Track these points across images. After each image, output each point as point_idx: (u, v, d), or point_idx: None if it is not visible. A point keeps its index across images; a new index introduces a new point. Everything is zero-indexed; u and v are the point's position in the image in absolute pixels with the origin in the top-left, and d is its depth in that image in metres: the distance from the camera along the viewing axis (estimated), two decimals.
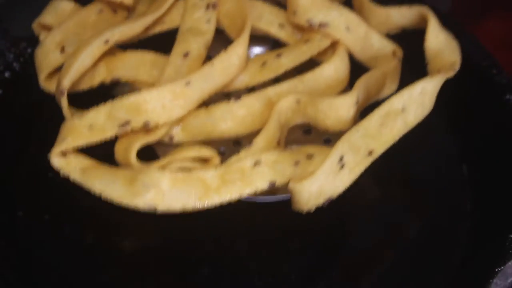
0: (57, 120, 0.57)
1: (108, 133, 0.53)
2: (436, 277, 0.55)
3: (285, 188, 0.52)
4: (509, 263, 0.49)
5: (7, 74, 0.62)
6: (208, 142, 0.55)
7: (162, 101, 0.53)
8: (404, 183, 0.60)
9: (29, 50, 0.63)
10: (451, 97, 0.58)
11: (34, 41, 0.62)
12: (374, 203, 0.59)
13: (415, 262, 0.56)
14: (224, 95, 0.57)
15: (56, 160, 0.53)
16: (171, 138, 0.55)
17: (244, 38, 0.55)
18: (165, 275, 0.55)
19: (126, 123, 0.52)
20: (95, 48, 0.55)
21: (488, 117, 0.60)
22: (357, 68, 0.58)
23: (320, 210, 0.52)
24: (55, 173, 0.55)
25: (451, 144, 0.62)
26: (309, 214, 0.52)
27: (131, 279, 0.55)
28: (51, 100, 0.60)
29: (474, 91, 0.61)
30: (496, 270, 0.50)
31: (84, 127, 0.53)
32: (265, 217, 0.57)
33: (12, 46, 0.63)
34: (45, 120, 0.62)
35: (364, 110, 0.56)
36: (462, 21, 0.65)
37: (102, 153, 0.55)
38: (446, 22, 0.59)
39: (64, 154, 0.53)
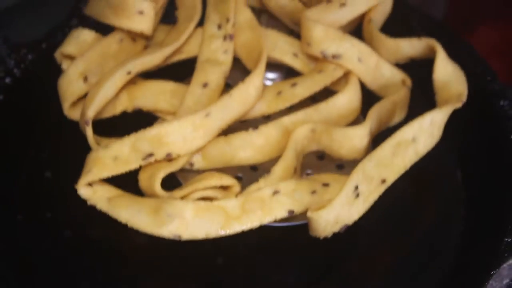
0: (57, 125, 0.59)
1: (132, 165, 0.55)
2: (432, 280, 0.56)
3: (302, 213, 0.54)
4: (504, 265, 0.50)
5: (8, 80, 0.63)
6: (226, 168, 0.57)
7: (183, 132, 0.55)
8: (400, 188, 0.60)
9: (29, 57, 0.64)
10: None
11: (33, 48, 0.64)
12: (373, 209, 0.60)
13: (410, 266, 0.57)
14: (241, 122, 0.59)
15: (83, 190, 0.55)
16: (191, 165, 0.57)
17: (261, 69, 0.57)
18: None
19: (150, 155, 0.54)
20: (118, 79, 0.57)
21: (482, 124, 0.62)
22: (368, 96, 0.60)
23: None
24: (53, 175, 0.58)
25: (446, 150, 0.63)
26: None
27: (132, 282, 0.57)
28: (50, 105, 0.62)
29: (468, 98, 0.61)
30: (492, 272, 0.51)
31: (109, 159, 0.55)
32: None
33: (13, 52, 0.64)
34: (45, 124, 0.64)
35: (376, 137, 0.58)
36: (456, 29, 0.66)
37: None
38: (441, 30, 0.61)
39: (90, 184, 0.55)
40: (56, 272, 0.56)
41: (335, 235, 0.54)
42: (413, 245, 0.58)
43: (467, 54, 0.62)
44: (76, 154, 0.58)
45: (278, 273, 0.57)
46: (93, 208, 0.55)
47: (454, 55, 0.60)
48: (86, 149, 0.57)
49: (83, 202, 0.56)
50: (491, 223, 0.56)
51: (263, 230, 0.55)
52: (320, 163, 0.59)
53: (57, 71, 0.62)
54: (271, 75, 0.64)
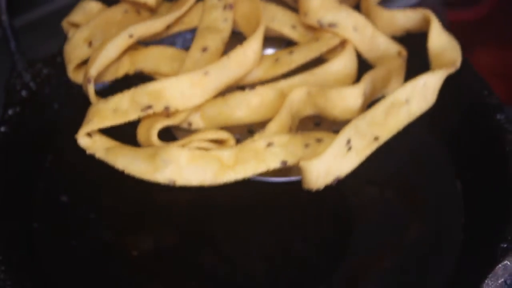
0: (71, 136, 0.61)
1: (131, 116, 0.56)
2: (429, 284, 0.57)
3: (295, 170, 0.56)
4: (500, 265, 0.50)
5: (24, 93, 0.65)
6: (224, 130, 0.59)
7: (182, 88, 0.56)
8: (402, 198, 0.63)
9: (44, 71, 0.66)
10: (446, 117, 0.62)
11: (49, 62, 0.66)
12: (372, 216, 0.62)
13: (410, 271, 0.58)
14: (239, 88, 0.61)
15: (83, 140, 0.57)
16: (190, 124, 0.58)
17: (259, 34, 0.59)
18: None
19: (148, 107, 0.56)
20: (120, 41, 0.59)
21: (480, 136, 0.62)
22: (364, 67, 0.62)
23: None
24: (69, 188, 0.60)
25: (445, 162, 0.64)
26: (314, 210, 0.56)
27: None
28: (65, 118, 0.65)
29: (467, 111, 0.64)
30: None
31: (109, 110, 0.56)
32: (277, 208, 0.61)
33: (29, 67, 0.66)
34: (60, 136, 0.66)
35: (370, 105, 0.59)
36: None
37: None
38: None
39: (90, 135, 0.57)
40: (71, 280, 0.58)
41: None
42: (412, 252, 0.59)
43: (465, 69, 0.62)
44: (91, 164, 0.60)
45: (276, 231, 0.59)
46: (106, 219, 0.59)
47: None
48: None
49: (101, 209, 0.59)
50: (488, 230, 0.57)
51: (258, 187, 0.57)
52: (317, 129, 0.61)
53: (71, 84, 0.64)
54: (270, 50, 0.66)
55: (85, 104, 0.62)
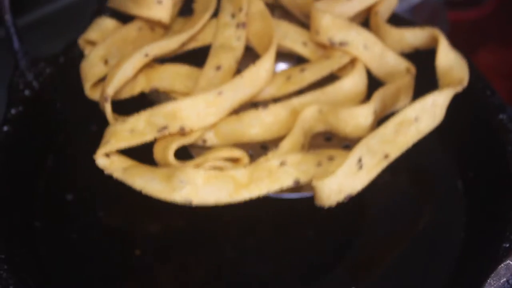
0: (74, 135, 0.62)
1: (147, 137, 0.58)
2: (432, 282, 0.59)
3: (308, 186, 0.57)
4: (502, 265, 0.51)
5: (27, 92, 0.66)
6: (238, 146, 0.60)
7: (197, 109, 0.58)
8: (404, 196, 0.64)
9: (47, 70, 0.67)
10: (448, 117, 0.62)
11: (51, 61, 0.67)
12: (375, 215, 0.64)
13: (413, 268, 0.60)
14: (252, 105, 0.62)
15: (101, 160, 0.58)
16: (204, 141, 0.60)
17: (271, 53, 0.60)
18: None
19: (164, 128, 0.58)
20: (136, 60, 0.60)
21: (482, 136, 0.64)
22: (374, 84, 0.63)
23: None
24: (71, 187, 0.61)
25: (447, 161, 0.66)
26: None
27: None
28: (68, 117, 0.67)
29: (469, 111, 0.65)
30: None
31: (126, 131, 0.58)
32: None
33: (32, 66, 0.67)
34: (63, 135, 0.68)
35: (380, 121, 0.60)
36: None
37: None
38: None
39: (107, 155, 0.58)
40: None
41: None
42: (415, 251, 0.61)
43: (470, 70, 0.63)
44: (93, 164, 0.61)
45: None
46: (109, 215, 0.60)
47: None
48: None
49: (102, 208, 0.61)
50: (490, 229, 0.59)
51: (270, 205, 0.59)
52: (328, 145, 0.62)
53: (74, 84, 0.65)
54: (282, 65, 0.67)
55: (88, 103, 0.64)
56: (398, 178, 0.65)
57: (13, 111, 0.64)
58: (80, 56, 0.65)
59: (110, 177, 0.59)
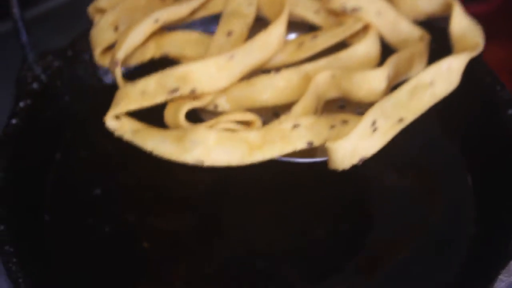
0: (82, 128, 0.62)
1: (158, 99, 0.57)
2: (442, 277, 0.58)
3: (321, 151, 0.56)
4: None
5: (35, 86, 0.65)
6: (249, 111, 0.59)
7: (208, 72, 0.57)
8: (413, 192, 0.63)
9: (55, 64, 0.66)
10: (457, 112, 0.62)
11: (59, 55, 0.67)
12: (384, 213, 0.62)
13: (423, 264, 0.58)
14: (263, 71, 0.61)
15: (111, 122, 0.57)
16: (216, 106, 0.59)
17: (283, 18, 0.60)
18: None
19: (175, 90, 0.57)
20: (146, 26, 0.59)
21: (491, 131, 0.63)
22: (388, 52, 0.62)
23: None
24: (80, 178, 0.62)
25: (457, 156, 0.65)
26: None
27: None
28: (76, 110, 0.66)
29: (478, 106, 0.64)
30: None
31: (136, 93, 0.57)
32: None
33: (40, 59, 0.66)
34: (71, 128, 0.67)
35: (394, 88, 0.59)
36: None
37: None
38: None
39: (118, 117, 0.57)
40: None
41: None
42: (424, 244, 0.60)
43: (477, 65, 0.63)
44: (101, 157, 0.62)
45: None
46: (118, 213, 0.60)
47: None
48: (112, 151, 0.60)
49: (110, 203, 0.61)
50: (501, 224, 0.58)
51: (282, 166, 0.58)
52: (342, 111, 0.61)
53: (82, 77, 0.67)
54: (293, 35, 0.67)
55: (96, 96, 0.66)
56: (407, 174, 0.64)
57: (21, 104, 0.63)
58: (87, 49, 0.65)
59: (119, 170, 0.60)
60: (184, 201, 0.62)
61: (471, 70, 0.60)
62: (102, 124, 0.60)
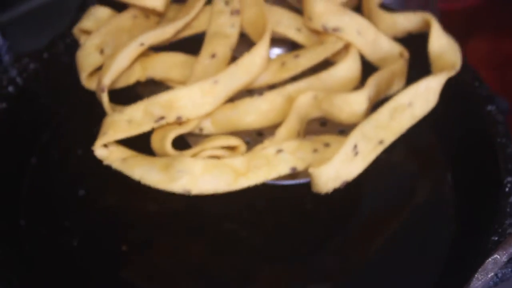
0: (58, 131, 0.63)
1: (145, 127, 0.58)
2: (421, 278, 0.59)
3: (304, 172, 0.58)
4: (489, 259, 0.52)
5: (10, 89, 0.65)
6: (234, 134, 0.60)
7: (193, 98, 0.58)
8: (395, 189, 0.64)
9: (31, 66, 0.67)
10: (437, 108, 0.63)
11: (35, 57, 0.67)
12: (367, 210, 0.64)
13: (401, 264, 0.60)
14: (247, 92, 0.63)
15: (99, 151, 0.58)
16: (201, 130, 0.60)
17: (265, 40, 0.61)
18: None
19: (161, 118, 0.58)
20: (132, 50, 0.60)
21: (471, 128, 0.64)
22: (368, 69, 0.63)
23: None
24: (56, 182, 0.62)
25: (436, 153, 0.66)
26: None
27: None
28: (52, 114, 0.67)
29: (458, 102, 0.65)
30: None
31: (124, 122, 0.58)
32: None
33: (16, 62, 0.66)
34: (48, 132, 0.67)
35: (374, 106, 0.61)
36: None
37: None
38: None
39: (106, 146, 0.59)
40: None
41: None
42: (404, 243, 0.61)
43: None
44: (77, 160, 0.63)
45: (283, 232, 0.61)
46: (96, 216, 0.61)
47: None
48: (87, 155, 0.60)
49: (87, 206, 0.61)
50: (478, 222, 0.59)
51: (267, 190, 0.59)
52: (323, 130, 0.63)
53: (58, 80, 0.67)
54: (276, 50, 0.68)
55: (72, 99, 0.67)
56: (386, 173, 0.65)
57: None
58: (64, 51, 0.67)
59: (96, 174, 0.60)
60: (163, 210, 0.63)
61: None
62: (78, 127, 0.62)
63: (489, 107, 0.63)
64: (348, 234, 0.62)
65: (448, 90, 0.62)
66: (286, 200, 0.62)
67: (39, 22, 0.83)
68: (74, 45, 0.66)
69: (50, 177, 0.65)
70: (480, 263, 0.52)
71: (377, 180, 0.64)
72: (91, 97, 0.62)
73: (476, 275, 0.52)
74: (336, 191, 0.58)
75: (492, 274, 0.52)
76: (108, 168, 0.59)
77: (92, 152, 0.59)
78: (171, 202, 0.60)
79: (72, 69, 0.65)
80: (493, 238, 0.55)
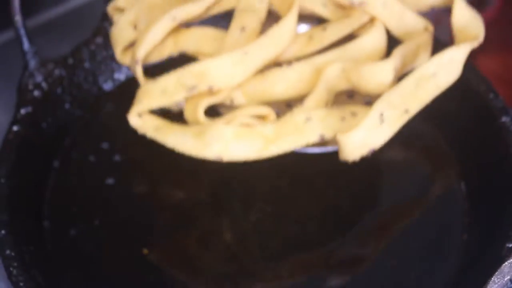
0: (81, 136, 0.65)
1: (177, 97, 0.60)
2: (437, 281, 0.60)
3: (332, 141, 0.60)
4: (506, 263, 0.53)
5: (36, 93, 0.67)
6: (263, 103, 0.62)
7: (224, 68, 0.60)
8: (409, 197, 0.66)
9: (56, 72, 0.68)
10: (451, 119, 0.65)
11: (61, 63, 0.69)
12: (381, 219, 0.65)
13: (416, 269, 0.61)
14: (276, 65, 0.65)
15: (134, 120, 0.61)
16: (232, 101, 0.62)
17: (293, 13, 0.62)
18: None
19: (193, 87, 0.60)
20: (164, 24, 0.62)
21: (485, 138, 0.65)
22: (393, 44, 0.64)
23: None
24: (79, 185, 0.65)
25: (451, 163, 0.67)
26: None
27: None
28: (76, 118, 0.69)
29: (472, 114, 0.66)
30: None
31: (157, 91, 0.60)
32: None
33: (41, 67, 0.68)
34: (71, 136, 0.69)
35: (400, 79, 0.62)
36: None
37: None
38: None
39: (140, 115, 0.61)
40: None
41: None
42: (416, 248, 0.63)
43: (471, 72, 0.66)
44: (101, 163, 0.65)
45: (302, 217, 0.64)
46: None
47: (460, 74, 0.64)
48: (110, 157, 0.63)
49: (108, 208, 0.64)
50: (494, 230, 0.60)
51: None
52: (350, 101, 0.64)
53: (82, 84, 0.70)
54: (304, 26, 0.70)
55: (96, 104, 0.69)
56: (400, 178, 0.67)
57: (22, 111, 0.65)
58: (88, 58, 0.70)
59: (119, 178, 0.64)
60: (190, 210, 0.65)
61: (465, 78, 0.63)
62: (101, 131, 0.64)
63: (504, 119, 0.64)
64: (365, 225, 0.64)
65: (463, 101, 0.65)
66: (307, 190, 0.65)
67: (64, 28, 0.85)
68: (98, 52, 0.70)
69: (73, 179, 0.67)
70: (495, 268, 0.53)
71: (390, 183, 0.66)
72: (113, 103, 0.65)
73: (492, 278, 0.52)
74: (356, 182, 0.60)
75: (508, 278, 0.53)
76: (130, 170, 0.62)
77: (112, 155, 0.62)
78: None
79: (95, 75, 0.68)
80: (508, 245, 0.56)
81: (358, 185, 0.66)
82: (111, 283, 0.61)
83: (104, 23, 0.71)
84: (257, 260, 0.61)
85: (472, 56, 0.63)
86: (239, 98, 0.62)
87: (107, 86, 0.73)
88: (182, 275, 0.61)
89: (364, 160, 0.59)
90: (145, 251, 0.62)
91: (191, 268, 0.61)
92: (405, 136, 0.61)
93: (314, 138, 0.59)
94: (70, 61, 0.70)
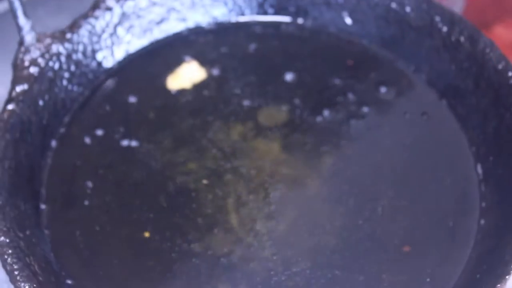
0: (79, 114, 0.63)
1: None
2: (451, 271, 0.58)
3: None
4: None
5: (32, 70, 0.64)
6: None
7: None
8: (424, 181, 0.63)
9: (53, 47, 0.66)
10: (467, 100, 0.63)
11: (58, 38, 0.66)
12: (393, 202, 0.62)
13: (432, 257, 0.59)
14: None
15: None
16: None
17: None
18: None
19: None
20: None
21: (502, 119, 0.63)
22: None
23: None
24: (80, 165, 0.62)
25: (466, 145, 0.65)
26: None
27: None
28: (74, 95, 0.67)
29: (489, 94, 0.63)
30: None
31: None
32: None
33: (38, 42, 0.65)
34: (69, 114, 0.67)
35: None
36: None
37: None
38: (463, 24, 0.63)
39: None
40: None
41: None
42: (433, 233, 0.60)
43: (489, 50, 0.63)
44: (99, 142, 0.63)
45: None
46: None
47: (476, 50, 0.62)
48: (111, 137, 0.61)
49: (107, 190, 0.62)
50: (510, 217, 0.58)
51: None
52: None
53: (81, 60, 0.67)
54: None
55: (95, 80, 0.67)
56: (415, 165, 0.64)
57: (18, 88, 0.63)
58: (87, 32, 0.67)
59: (117, 158, 0.62)
60: (194, 192, 0.63)
61: (484, 56, 0.62)
62: (101, 108, 0.62)
63: None
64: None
65: (480, 81, 0.62)
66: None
67: (62, 1, 0.82)
68: (97, 26, 0.68)
69: (70, 161, 0.65)
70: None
71: (404, 168, 0.64)
72: (113, 81, 0.63)
73: None
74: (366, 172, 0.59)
75: None
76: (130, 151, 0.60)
77: (113, 134, 0.61)
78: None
79: (93, 51, 0.67)
80: None
81: (365, 177, 0.63)
82: (111, 268, 0.59)
83: None
84: (263, 244, 0.59)
85: (487, 26, 0.61)
86: None
87: (107, 62, 0.70)
88: (183, 259, 0.59)
89: (375, 145, 0.57)
90: (147, 234, 0.60)
91: (193, 253, 0.59)
92: (419, 118, 0.59)
93: None
94: (68, 35, 0.67)
